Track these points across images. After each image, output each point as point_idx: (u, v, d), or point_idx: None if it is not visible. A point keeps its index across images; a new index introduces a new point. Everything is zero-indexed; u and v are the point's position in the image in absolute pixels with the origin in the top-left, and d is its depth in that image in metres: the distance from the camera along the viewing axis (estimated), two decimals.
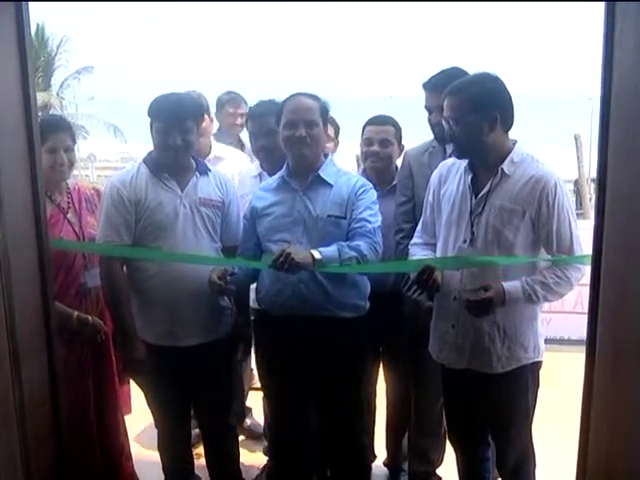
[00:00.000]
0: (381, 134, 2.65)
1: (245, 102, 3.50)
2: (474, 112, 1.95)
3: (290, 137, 2.19)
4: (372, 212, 2.22)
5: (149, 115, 2.25)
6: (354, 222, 2.19)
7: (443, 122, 2.05)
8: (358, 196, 2.22)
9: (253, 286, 2.51)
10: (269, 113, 2.44)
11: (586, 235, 1.98)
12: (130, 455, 2.56)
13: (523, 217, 1.98)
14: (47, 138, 2.18)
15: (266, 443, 2.98)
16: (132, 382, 2.49)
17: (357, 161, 3.43)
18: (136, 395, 2.49)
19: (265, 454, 2.98)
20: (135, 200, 2.23)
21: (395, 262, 2.42)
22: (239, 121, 3.48)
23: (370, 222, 2.19)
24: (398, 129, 2.70)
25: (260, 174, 2.70)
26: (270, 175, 2.55)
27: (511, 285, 1.96)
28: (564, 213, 1.98)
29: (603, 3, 1.37)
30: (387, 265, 2.40)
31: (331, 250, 2.09)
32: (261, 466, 2.89)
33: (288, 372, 2.25)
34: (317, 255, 2.04)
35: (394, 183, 2.65)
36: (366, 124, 2.73)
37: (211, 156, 2.99)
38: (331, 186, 2.23)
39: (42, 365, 1.64)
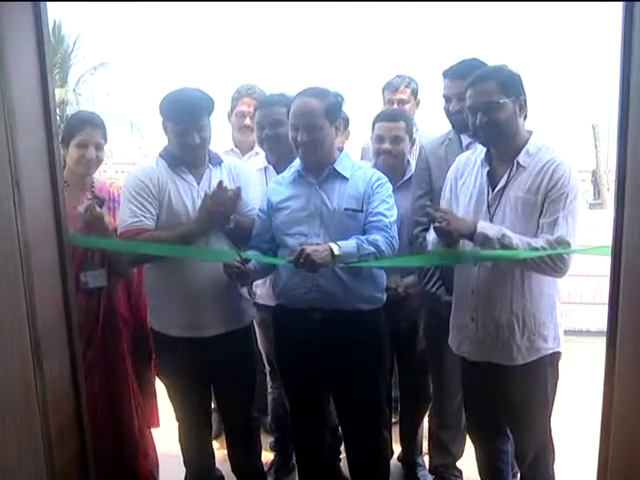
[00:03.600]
0: (393, 131, 2.59)
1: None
2: (508, 95, 1.98)
3: (294, 140, 2.20)
4: (388, 206, 2.21)
5: (161, 113, 2.26)
6: (370, 216, 2.18)
7: (467, 112, 2.04)
8: (374, 189, 2.21)
9: (257, 282, 2.50)
10: (278, 104, 2.43)
11: (604, 225, 1.96)
12: (147, 453, 2.53)
13: (540, 208, 1.97)
14: (76, 132, 2.22)
15: (272, 439, 2.94)
16: (158, 394, 2.48)
17: (362, 153, 3.33)
18: (159, 387, 2.49)
19: (272, 450, 2.91)
20: (156, 191, 2.25)
21: (410, 256, 2.40)
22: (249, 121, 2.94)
23: (386, 216, 2.19)
24: (409, 123, 2.66)
25: (265, 168, 2.65)
26: (276, 169, 2.54)
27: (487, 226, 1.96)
28: (574, 201, 1.96)
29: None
30: (401, 259, 2.38)
31: (351, 245, 2.08)
32: (268, 462, 2.84)
33: (307, 365, 2.25)
34: (337, 251, 2.03)
35: (406, 177, 2.63)
36: (376, 120, 2.66)
37: None
38: (347, 179, 2.23)
39: (63, 357, 1.66)
